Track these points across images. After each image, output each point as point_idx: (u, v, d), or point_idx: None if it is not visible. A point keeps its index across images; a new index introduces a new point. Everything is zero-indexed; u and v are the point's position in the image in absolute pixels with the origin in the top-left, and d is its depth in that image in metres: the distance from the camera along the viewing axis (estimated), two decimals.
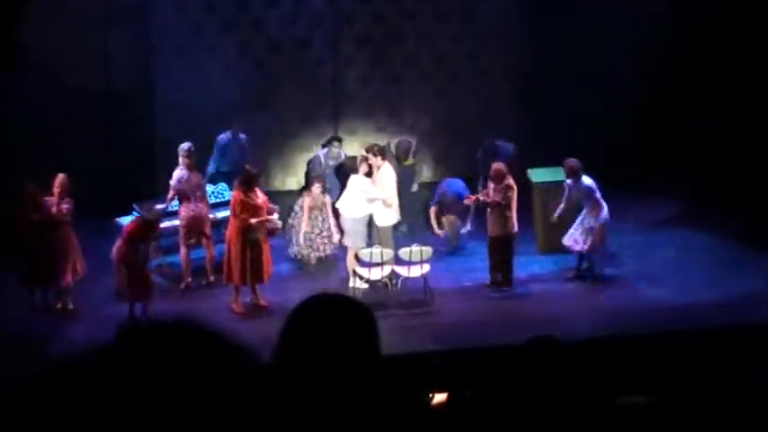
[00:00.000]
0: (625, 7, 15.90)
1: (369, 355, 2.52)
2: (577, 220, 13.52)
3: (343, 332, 2.51)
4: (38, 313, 12.58)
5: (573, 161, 13.44)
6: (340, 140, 15.71)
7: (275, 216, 13.05)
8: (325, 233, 13.80)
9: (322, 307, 2.61)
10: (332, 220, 13.74)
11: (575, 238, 13.46)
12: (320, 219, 13.84)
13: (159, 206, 13.06)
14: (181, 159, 13.31)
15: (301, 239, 13.72)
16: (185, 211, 13.21)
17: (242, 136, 15.62)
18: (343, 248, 13.62)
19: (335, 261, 14.05)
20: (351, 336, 2.52)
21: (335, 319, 2.55)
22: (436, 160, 17.32)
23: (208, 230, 13.39)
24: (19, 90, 14.38)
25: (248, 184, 12.50)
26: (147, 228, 12.20)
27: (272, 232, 13.01)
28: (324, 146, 15.64)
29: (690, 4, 15.74)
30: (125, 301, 12.18)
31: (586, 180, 13.41)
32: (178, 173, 13.30)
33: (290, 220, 13.93)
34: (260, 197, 12.60)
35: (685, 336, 11.08)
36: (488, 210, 13.10)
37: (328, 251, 13.89)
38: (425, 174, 17.18)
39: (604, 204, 13.42)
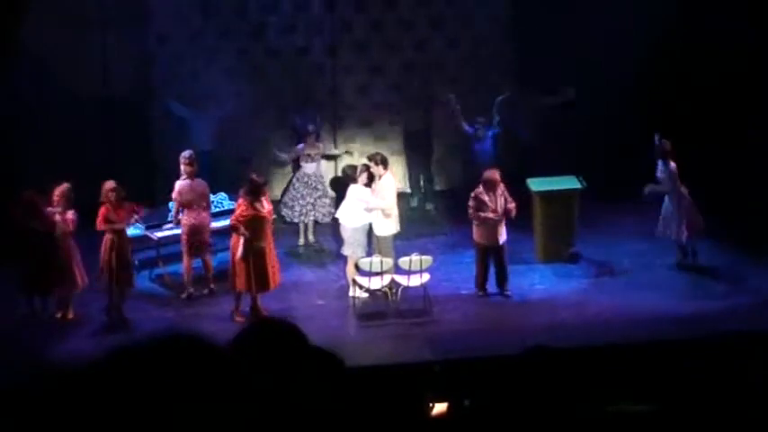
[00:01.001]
0: (625, 11, 15.93)
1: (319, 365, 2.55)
2: (662, 210, 13.79)
3: (282, 351, 2.55)
4: (38, 320, 12.55)
5: (666, 142, 13.60)
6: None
7: None
8: (311, 201, 14.93)
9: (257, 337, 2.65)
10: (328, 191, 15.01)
11: (668, 229, 13.75)
12: (311, 187, 14.97)
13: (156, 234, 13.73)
14: (182, 168, 13.29)
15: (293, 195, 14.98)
16: (187, 219, 13.13)
17: (213, 113, 15.84)
18: (343, 257, 13.63)
19: (334, 267, 14.09)
20: (288, 353, 2.55)
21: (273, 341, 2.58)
22: (435, 166, 17.29)
23: (208, 240, 13.36)
24: (18, 96, 14.39)
25: (254, 193, 12.43)
26: (112, 208, 12.17)
27: None
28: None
29: (689, 17, 15.77)
30: (106, 284, 12.31)
31: (672, 164, 13.55)
32: (179, 184, 13.23)
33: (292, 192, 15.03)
34: (266, 207, 12.55)
35: (687, 344, 11.06)
36: (482, 219, 13.03)
37: (311, 218, 14.95)
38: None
39: (684, 191, 13.62)
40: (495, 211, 12.96)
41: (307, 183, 15.00)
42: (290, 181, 15.33)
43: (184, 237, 13.16)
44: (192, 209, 13.13)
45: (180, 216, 13.23)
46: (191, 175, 13.20)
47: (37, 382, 1.83)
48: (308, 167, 15.04)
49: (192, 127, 15.74)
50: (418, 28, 17.27)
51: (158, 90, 16.32)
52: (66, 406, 1.75)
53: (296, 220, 15.00)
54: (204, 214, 13.26)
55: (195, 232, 13.11)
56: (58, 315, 12.61)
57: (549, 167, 14.63)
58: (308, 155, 15.03)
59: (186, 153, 13.39)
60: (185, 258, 13.22)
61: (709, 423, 3.55)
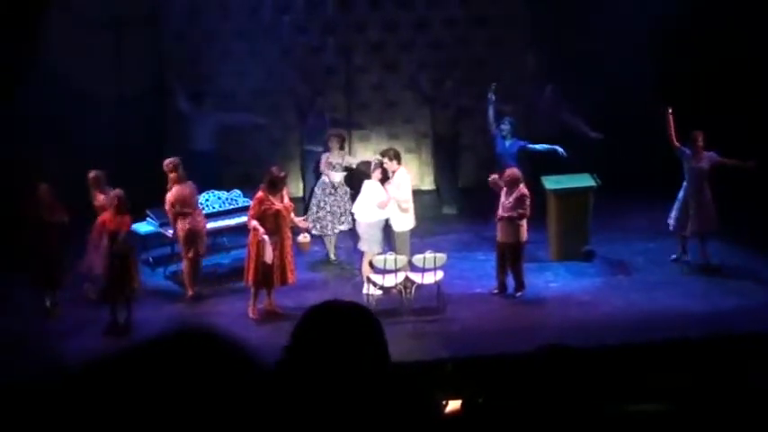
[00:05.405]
0: (636, 12, 15.93)
1: (375, 360, 2.54)
2: (678, 204, 13.90)
3: (350, 337, 2.53)
4: (51, 316, 12.60)
5: (699, 133, 13.67)
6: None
7: (303, 236, 13.20)
8: (340, 211, 14.25)
9: (332, 311, 2.63)
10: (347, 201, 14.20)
11: (678, 222, 13.91)
12: (340, 194, 14.29)
13: (169, 231, 13.48)
14: (170, 176, 13.02)
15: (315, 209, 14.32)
16: (182, 224, 12.92)
17: (216, 112, 15.84)
18: (359, 252, 13.64)
19: (351, 267, 14.12)
20: (357, 341, 2.54)
21: (344, 324, 2.57)
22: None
23: (205, 240, 13.28)
24: (33, 96, 14.44)
25: (272, 185, 12.40)
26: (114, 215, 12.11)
27: (299, 246, 13.08)
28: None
29: (700, 22, 15.78)
30: (109, 300, 12.21)
31: (707, 155, 13.69)
32: (171, 192, 12.96)
33: (314, 203, 14.42)
34: (283, 201, 12.52)
35: (702, 343, 11.05)
36: (499, 216, 13.04)
37: (336, 230, 14.33)
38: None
39: (683, 183, 13.81)
40: (503, 208, 12.95)
41: (332, 194, 14.32)
42: (312, 191, 14.75)
43: (181, 242, 13.03)
44: (185, 216, 12.94)
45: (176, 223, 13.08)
46: (176, 181, 12.96)
47: (48, 380, 1.84)
48: (335, 176, 14.32)
49: (201, 126, 15.77)
50: (430, 26, 17.30)
51: (172, 90, 16.29)
52: (77, 403, 1.76)
53: (328, 233, 14.36)
54: (199, 218, 13.13)
55: (191, 236, 12.95)
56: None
57: (563, 165, 14.60)
58: (331, 163, 14.35)
59: (166, 160, 13.15)
60: (184, 262, 13.10)
61: (723, 423, 3.54)
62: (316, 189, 14.55)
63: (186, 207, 12.96)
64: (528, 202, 12.95)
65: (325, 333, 2.54)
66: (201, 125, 15.74)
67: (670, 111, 13.59)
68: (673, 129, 13.62)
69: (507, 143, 14.75)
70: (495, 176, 13.39)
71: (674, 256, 14.13)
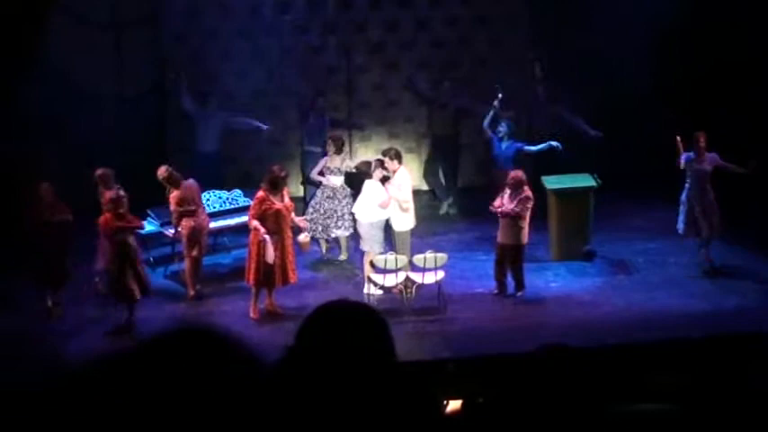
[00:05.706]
0: (636, 11, 15.95)
1: (380, 360, 2.54)
2: (685, 209, 13.78)
3: (358, 337, 2.53)
4: (52, 316, 12.60)
5: (700, 134, 13.53)
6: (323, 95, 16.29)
7: (304, 235, 13.26)
8: (336, 215, 14.25)
9: (340, 311, 2.64)
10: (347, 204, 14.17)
11: (693, 227, 13.80)
12: (339, 197, 14.27)
13: (170, 231, 13.48)
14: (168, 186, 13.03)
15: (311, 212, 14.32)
16: (186, 222, 12.93)
17: (220, 113, 15.78)
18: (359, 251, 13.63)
19: (352, 267, 14.12)
20: (365, 341, 2.54)
21: (352, 323, 2.57)
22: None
23: (207, 238, 13.31)
24: (35, 95, 14.47)
25: (273, 185, 12.40)
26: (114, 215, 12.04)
27: (300, 246, 13.17)
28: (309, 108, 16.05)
29: (700, 22, 15.79)
30: (119, 301, 12.17)
31: (709, 156, 13.58)
32: (174, 194, 12.96)
33: (312, 204, 14.44)
34: (284, 200, 12.52)
35: (702, 343, 11.04)
36: (500, 217, 13.03)
37: (332, 234, 14.35)
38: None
39: (686, 185, 13.68)
40: (500, 207, 12.96)
41: (331, 197, 14.32)
42: (313, 194, 14.72)
43: (184, 239, 13.02)
44: (189, 214, 12.95)
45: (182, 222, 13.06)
46: (174, 186, 12.95)
47: (49, 380, 1.84)
48: (334, 180, 14.30)
49: (205, 126, 15.77)
50: (432, 25, 17.32)
51: (177, 90, 16.29)
52: (77, 403, 1.76)
53: (318, 236, 14.37)
54: (202, 217, 13.13)
55: (193, 235, 12.96)
56: None
57: (563, 165, 14.60)
58: (329, 167, 14.33)
59: (158, 172, 13.00)
60: (186, 261, 13.10)
61: (723, 423, 3.54)
62: (317, 190, 14.56)
63: (191, 205, 12.97)
64: (530, 204, 12.93)
65: (331, 332, 2.54)
66: (206, 125, 15.74)
67: (678, 138, 13.50)
68: (681, 155, 13.54)
69: (504, 145, 14.76)
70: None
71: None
